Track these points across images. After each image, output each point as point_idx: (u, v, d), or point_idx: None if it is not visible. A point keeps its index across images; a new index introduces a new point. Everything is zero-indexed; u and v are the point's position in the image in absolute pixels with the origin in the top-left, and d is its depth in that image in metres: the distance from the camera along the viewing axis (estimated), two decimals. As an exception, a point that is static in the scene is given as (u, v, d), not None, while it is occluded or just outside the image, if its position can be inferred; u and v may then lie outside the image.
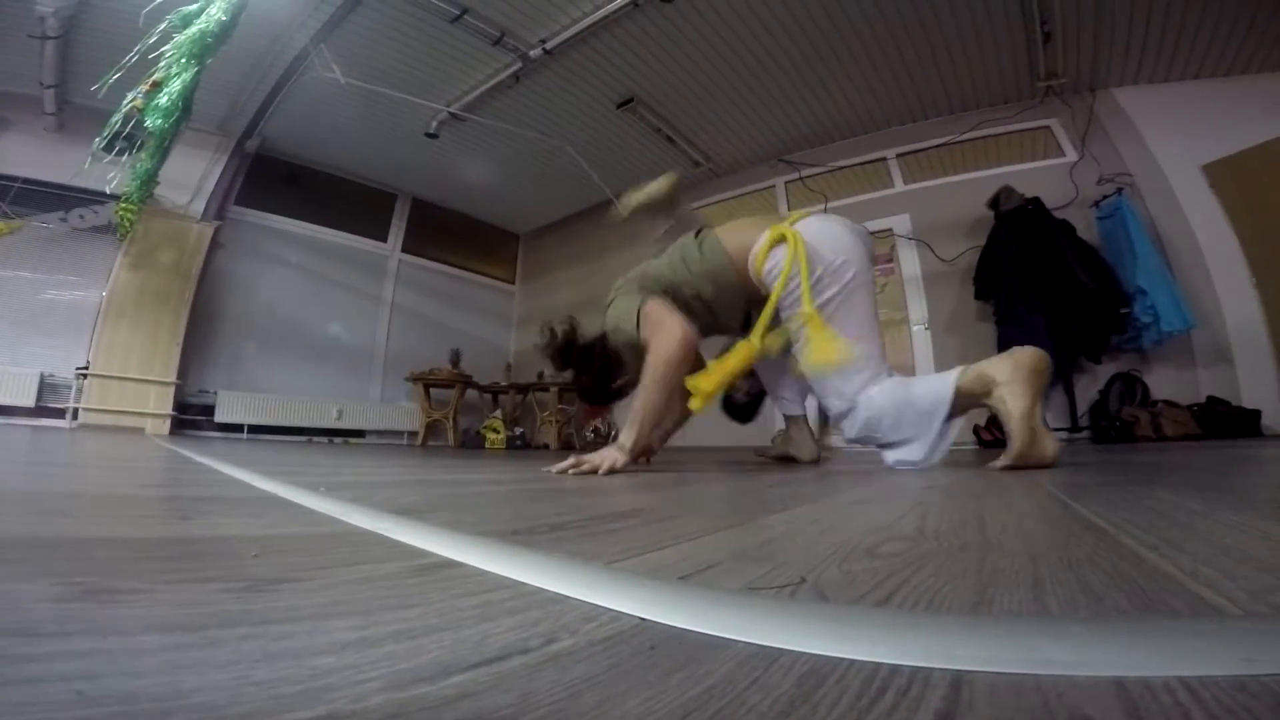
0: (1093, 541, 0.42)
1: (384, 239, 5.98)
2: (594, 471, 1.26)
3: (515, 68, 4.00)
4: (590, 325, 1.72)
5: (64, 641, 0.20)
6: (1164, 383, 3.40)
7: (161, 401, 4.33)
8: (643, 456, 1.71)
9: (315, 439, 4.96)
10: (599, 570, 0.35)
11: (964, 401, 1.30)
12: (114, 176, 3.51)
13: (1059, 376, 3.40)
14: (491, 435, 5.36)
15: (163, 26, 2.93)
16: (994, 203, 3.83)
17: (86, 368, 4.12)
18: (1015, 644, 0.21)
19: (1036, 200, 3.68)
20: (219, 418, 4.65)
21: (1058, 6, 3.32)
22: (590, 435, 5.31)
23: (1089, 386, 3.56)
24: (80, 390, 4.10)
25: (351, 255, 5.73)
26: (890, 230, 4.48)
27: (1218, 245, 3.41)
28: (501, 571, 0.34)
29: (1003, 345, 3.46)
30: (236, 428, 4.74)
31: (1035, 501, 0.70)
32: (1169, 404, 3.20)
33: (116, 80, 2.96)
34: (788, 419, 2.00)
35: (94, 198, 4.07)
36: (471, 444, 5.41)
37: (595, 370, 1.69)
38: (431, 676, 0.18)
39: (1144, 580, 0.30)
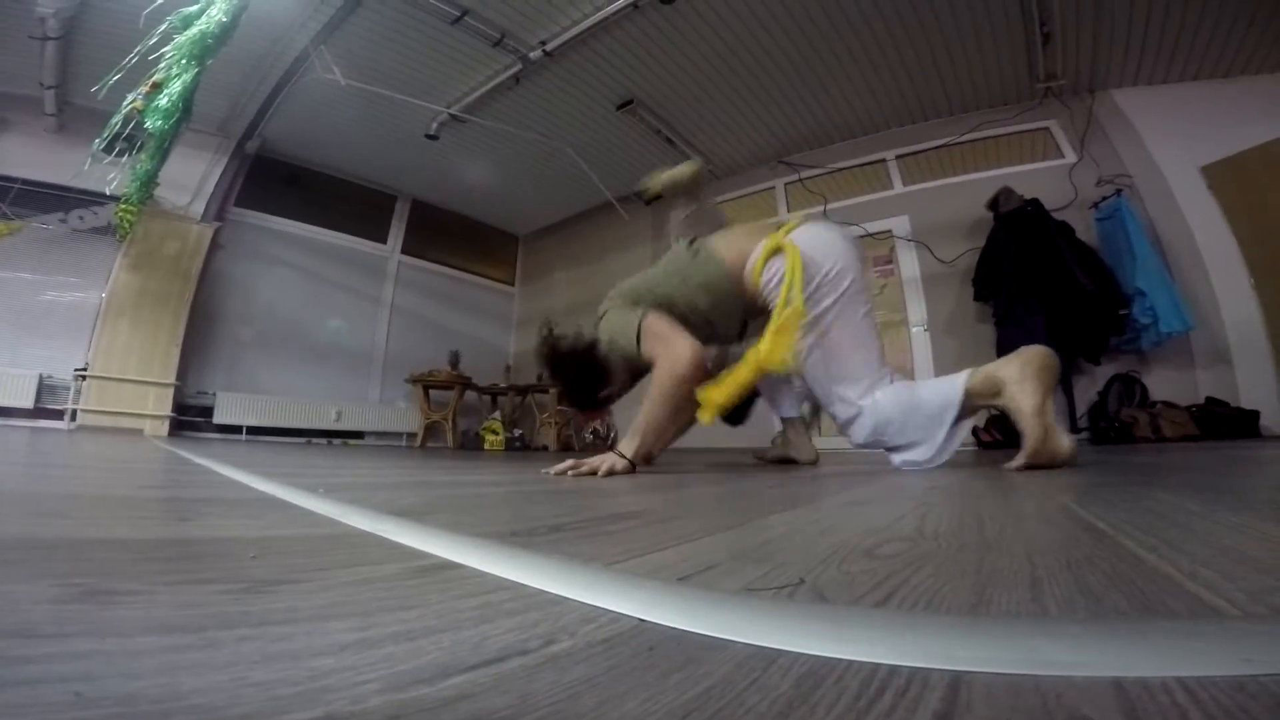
0: (1091, 542, 0.42)
1: (384, 240, 5.98)
2: (593, 473, 1.26)
3: (515, 69, 4.00)
4: (587, 329, 1.71)
5: (62, 643, 0.20)
6: (1163, 384, 3.40)
7: (160, 403, 4.32)
8: (644, 462, 1.71)
9: (314, 440, 4.96)
10: (598, 571, 0.35)
11: (974, 403, 1.31)
12: (114, 177, 3.51)
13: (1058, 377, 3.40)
14: (490, 437, 5.35)
15: (163, 28, 2.93)
16: (993, 204, 3.83)
17: (85, 369, 4.12)
18: (1014, 644, 0.22)
19: (1036, 201, 3.68)
20: (218, 419, 4.65)
21: (1057, 8, 3.32)
22: (589, 437, 5.31)
23: (1088, 388, 3.56)
24: (79, 392, 4.09)
25: (351, 257, 5.72)
26: (889, 232, 4.48)
27: (1217, 246, 3.41)
28: (500, 573, 0.34)
29: (1002, 346, 3.47)
30: (235, 429, 4.73)
31: (1034, 502, 0.71)
32: (1168, 405, 3.21)
33: (117, 81, 2.96)
34: (785, 421, 2.01)
35: (94, 199, 4.07)
36: (470, 445, 5.41)
37: (584, 378, 1.69)
38: (430, 678, 0.18)
39: (1142, 581, 0.30)
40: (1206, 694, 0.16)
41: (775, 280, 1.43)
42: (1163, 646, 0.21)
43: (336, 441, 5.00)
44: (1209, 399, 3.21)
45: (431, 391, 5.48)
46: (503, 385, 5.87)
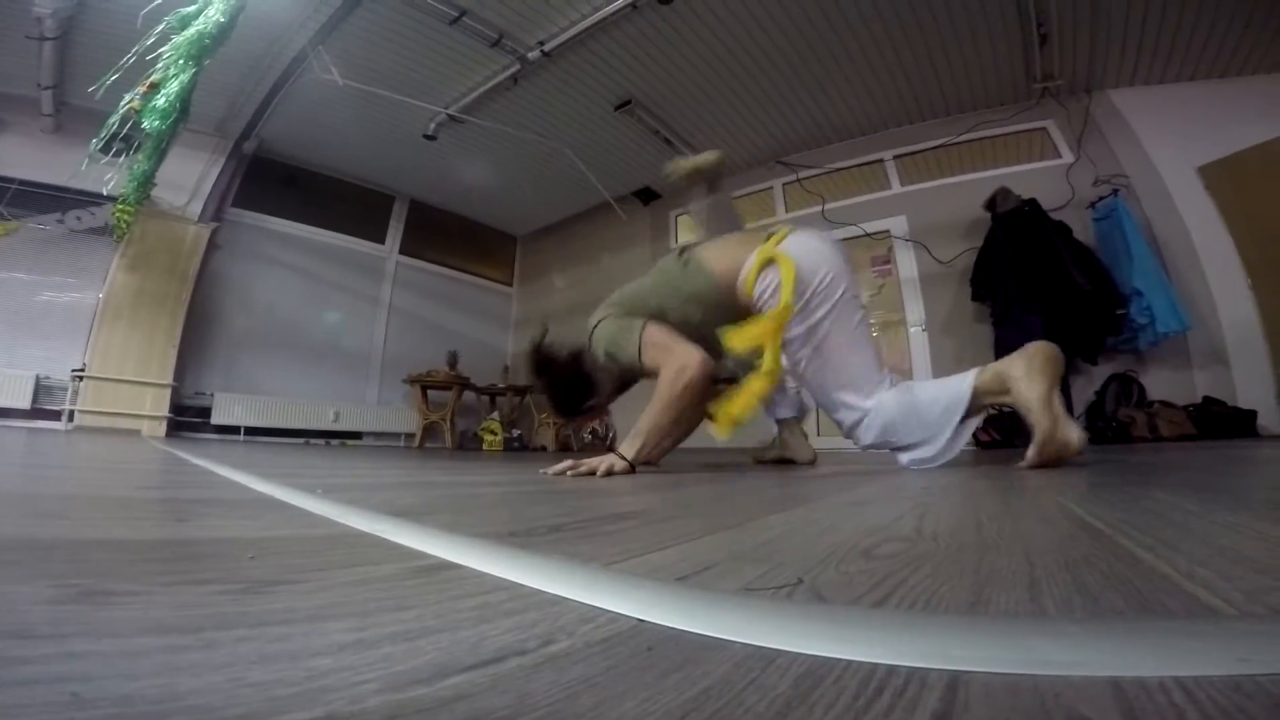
0: (1089, 542, 0.42)
1: (381, 241, 5.97)
2: (591, 474, 1.27)
3: (513, 70, 4.00)
4: (576, 338, 1.73)
5: (59, 644, 0.20)
6: (1160, 383, 3.41)
7: (158, 403, 4.31)
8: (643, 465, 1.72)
9: (312, 441, 4.95)
10: (596, 571, 0.35)
11: (981, 401, 1.35)
12: (111, 178, 3.50)
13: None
14: (489, 437, 5.35)
15: (161, 28, 2.92)
16: (991, 204, 3.84)
17: (83, 370, 4.11)
18: (1012, 644, 0.22)
19: (1033, 202, 3.69)
20: (215, 420, 4.64)
21: (1054, 8, 3.33)
22: (588, 436, 5.31)
23: (1085, 388, 3.57)
24: (76, 392, 4.08)
25: (349, 257, 5.71)
26: (887, 232, 4.49)
27: (1213, 246, 3.42)
28: (499, 573, 0.34)
29: (999, 346, 3.48)
30: (233, 430, 4.72)
31: (1032, 502, 0.71)
32: (1165, 405, 3.21)
33: (114, 81, 2.95)
34: (780, 423, 2.02)
35: (91, 199, 4.06)
36: (469, 446, 5.41)
37: (569, 388, 1.70)
38: (428, 678, 0.18)
39: (1140, 581, 0.30)
40: (1203, 693, 0.17)
41: (770, 291, 1.44)
42: (1160, 646, 0.21)
43: (334, 442, 5.00)
44: (1206, 399, 3.22)
45: (430, 392, 5.48)
46: (501, 385, 5.87)
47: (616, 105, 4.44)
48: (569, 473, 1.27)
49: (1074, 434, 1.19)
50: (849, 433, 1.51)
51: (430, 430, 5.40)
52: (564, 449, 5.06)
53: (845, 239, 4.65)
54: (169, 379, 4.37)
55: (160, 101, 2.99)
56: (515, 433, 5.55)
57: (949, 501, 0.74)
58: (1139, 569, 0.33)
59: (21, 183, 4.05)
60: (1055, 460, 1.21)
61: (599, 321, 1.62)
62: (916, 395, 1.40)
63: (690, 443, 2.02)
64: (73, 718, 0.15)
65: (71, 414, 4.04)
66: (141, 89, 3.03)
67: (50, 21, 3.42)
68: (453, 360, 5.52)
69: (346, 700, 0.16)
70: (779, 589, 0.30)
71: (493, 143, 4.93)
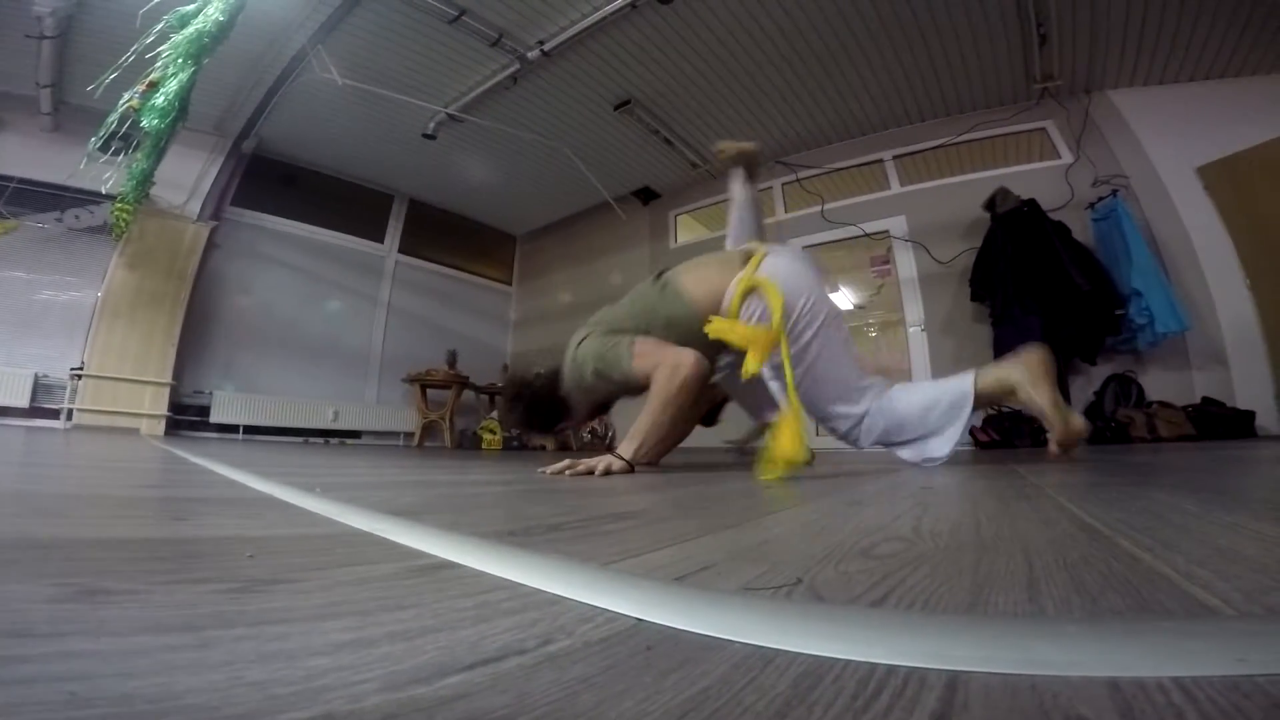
0: (1087, 542, 0.42)
1: (380, 240, 5.97)
2: (590, 473, 1.27)
3: (513, 69, 4.00)
4: (547, 365, 1.75)
5: (57, 642, 0.20)
6: (1159, 384, 3.41)
7: (157, 402, 4.31)
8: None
9: (311, 440, 4.94)
10: (595, 571, 0.35)
11: (984, 401, 1.46)
12: (110, 177, 3.49)
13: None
14: (488, 436, 5.35)
15: (160, 27, 2.92)
16: (990, 204, 3.84)
17: (81, 368, 4.10)
18: (1010, 644, 0.22)
19: (1032, 202, 3.69)
20: (214, 419, 4.64)
21: (1054, 8, 3.34)
22: (587, 436, 5.30)
23: (1084, 388, 3.57)
24: (75, 391, 4.08)
25: (348, 256, 5.71)
26: (887, 232, 4.49)
27: (1212, 247, 3.42)
28: (498, 572, 0.34)
29: (998, 346, 3.48)
30: (232, 429, 4.72)
31: (1030, 502, 0.71)
32: (1164, 405, 3.22)
33: (113, 80, 2.95)
34: (768, 427, 2.02)
35: (90, 198, 4.05)
36: (468, 445, 5.41)
37: (542, 414, 1.73)
38: (428, 677, 0.18)
39: (1138, 581, 0.30)
40: (1202, 693, 0.17)
41: (755, 318, 1.44)
42: (1158, 646, 0.21)
43: (334, 441, 5.00)
44: (1205, 399, 3.22)
45: (429, 391, 5.48)
46: (500, 384, 5.87)
47: (616, 105, 4.44)
48: (567, 472, 1.27)
49: (1079, 422, 1.42)
50: (844, 438, 1.57)
51: (429, 429, 5.40)
52: (563, 448, 5.06)
53: (845, 239, 4.67)
54: (168, 378, 4.37)
55: (159, 100, 2.98)
56: (514, 432, 5.55)
57: (947, 501, 0.74)
58: (1137, 569, 0.33)
59: (20, 181, 4.05)
60: (1073, 444, 1.44)
61: (581, 340, 1.62)
62: (915, 397, 1.48)
63: (688, 442, 2.02)
64: (71, 717, 0.15)
65: (70, 413, 4.04)
66: (140, 88, 3.03)
67: (49, 20, 3.42)
68: (452, 359, 5.52)
69: (345, 699, 0.16)
70: (778, 589, 0.30)
71: (492, 142, 4.93)
